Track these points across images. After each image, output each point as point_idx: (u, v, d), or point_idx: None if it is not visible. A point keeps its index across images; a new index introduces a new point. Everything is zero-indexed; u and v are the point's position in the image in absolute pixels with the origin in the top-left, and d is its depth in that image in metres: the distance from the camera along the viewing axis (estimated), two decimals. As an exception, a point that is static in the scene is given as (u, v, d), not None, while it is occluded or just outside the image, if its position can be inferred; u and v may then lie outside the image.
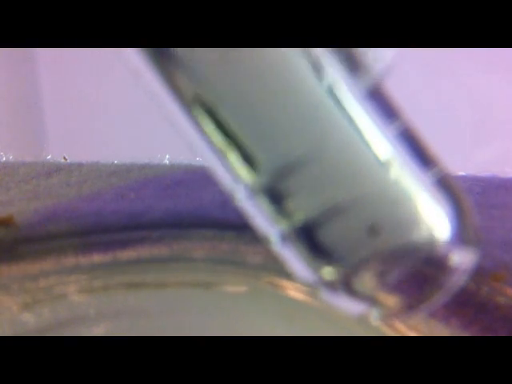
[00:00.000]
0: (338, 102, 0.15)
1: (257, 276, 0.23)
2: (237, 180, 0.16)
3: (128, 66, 0.16)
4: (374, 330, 0.21)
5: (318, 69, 0.15)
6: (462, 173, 0.28)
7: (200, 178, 0.29)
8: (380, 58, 0.15)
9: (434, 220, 0.15)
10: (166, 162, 0.31)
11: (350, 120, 0.15)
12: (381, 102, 0.15)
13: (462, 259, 0.16)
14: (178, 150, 0.24)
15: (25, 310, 0.22)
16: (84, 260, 0.24)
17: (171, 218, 0.26)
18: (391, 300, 0.16)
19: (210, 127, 0.15)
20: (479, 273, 0.22)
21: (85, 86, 0.64)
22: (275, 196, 0.15)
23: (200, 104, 0.15)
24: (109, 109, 0.64)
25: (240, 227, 0.24)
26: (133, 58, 0.15)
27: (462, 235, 0.15)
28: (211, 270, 0.23)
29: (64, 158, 0.31)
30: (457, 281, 0.16)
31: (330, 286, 0.16)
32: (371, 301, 0.16)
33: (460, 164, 0.23)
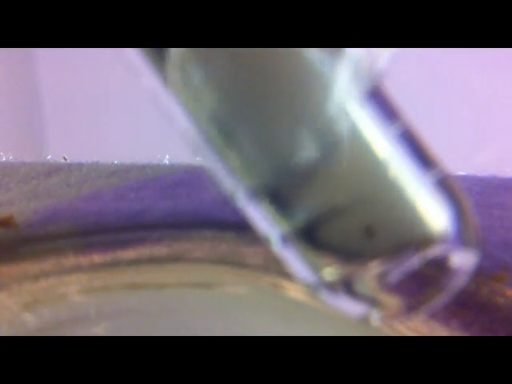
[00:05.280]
0: (338, 103, 0.15)
1: (257, 277, 0.23)
2: (237, 181, 0.16)
3: (128, 65, 0.16)
4: (374, 331, 0.20)
5: (319, 70, 0.15)
6: (461, 173, 0.28)
7: (200, 178, 0.29)
8: (383, 59, 0.15)
9: (435, 221, 0.15)
10: (166, 162, 0.31)
11: (351, 121, 0.15)
12: (381, 103, 0.15)
13: (462, 260, 0.15)
14: (178, 150, 0.24)
15: (25, 310, 0.22)
16: (84, 260, 0.24)
17: (171, 218, 0.26)
18: (391, 301, 0.16)
19: (210, 127, 0.15)
20: (479, 273, 0.22)
21: (85, 86, 0.64)
22: (276, 197, 0.15)
23: (200, 104, 0.15)
24: (109, 109, 0.64)
25: (240, 227, 0.24)
26: (133, 58, 0.15)
27: (462, 236, 0.15)
28: (211, 271, 0.23)
29: (64, 158, 0.31)
30: (457, 282, 0.16)
31: (331, 286, 0.16)
32: (371, 302, 0.16)
33: (460, 164, 0.23)
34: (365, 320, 0.16)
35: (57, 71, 0.64)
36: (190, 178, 0.29)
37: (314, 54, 0.15)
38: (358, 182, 0.15)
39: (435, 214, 0.15)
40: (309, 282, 0.16)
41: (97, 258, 0.24)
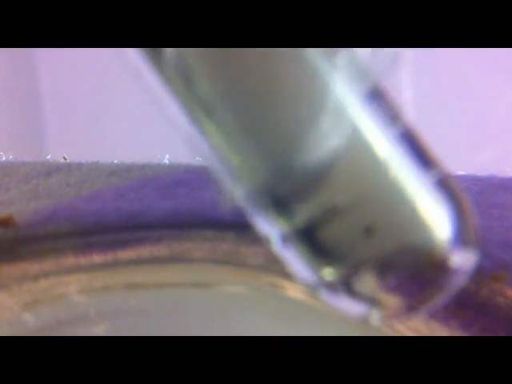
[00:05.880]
0: (338, 103, 0.15)
1: (257, 276, 0.23)
2: (237, 181, 0.16)
3: (128, 65, 0.16)
4: (374, 331, 0.20)
5: (320, 70, 0.15)
6: (461, 173, 0.28)
7: (200, 178, 0.29)
8: (383, 59, 0.15)
9: (435, 221, 0.15)
10: (166, 161, 0.31)
11: (351, 121, 0.15)
12: (381, 103, 0.15)
13: (462, 260, 0.15)
14: (178, 150, 0.24)
15: (25, 310, 0.22)
16: (84, 260, 0.24)
17: (171, 217, 0.26)
18: (391, 301, 0.16)
19: (210, 127, 0.15)
20: (479, 273, 0.22)
21: (85, 86, 0.64)
22: (276, 197, 0.15)
23: (200, 104, 0.15)
24: (109, 109, 0.64)
25: (240, 227, 0.24)
26: (133, 58, 0.15)
27: (462, 236, 0.15)
28: (211, 271, 0.23)
29: (64, 157, 0.31)
30: (457, 282, 0.16)
31: (331, 286, 0.16)
32: (371, 302, 0.16)
33: (460, 164, 0.23)
34: (365, 320, 0.16)
35: (57, 71, 0.64)
36: (189, 178, 0.29)
37: (315, 54, 0.15)
38: (358, 182, 0.15)
39: (435, 214, 0.15)
40: (309, 281, 0.16)
41: (97, 257, 0.24)
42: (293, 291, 0.22)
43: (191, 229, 0.25)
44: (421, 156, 0.15)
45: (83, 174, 0.29)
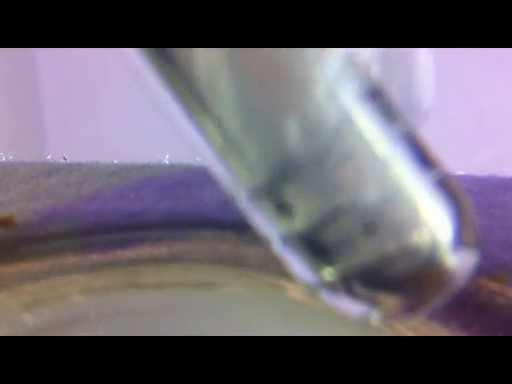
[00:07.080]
0: (338, 102, 0.15)
1: (257, 277, 0.23)
2: (238, 181, 0.16)
3: (128, 65, 0.16)
4: (374, 331, 0.20)
5: (321, 71, 0.15)
6: (461, 172, 0.28)
7: (200, 177, 0.29)
8: (384, 58, 0.15)
9: (435, 221, 0.15)
10: (166, 161, 0.31)
11: (351, 121, 0.15)
12: (382, 103, 0.15)
13: (462, 260, 0.16)
14: (178, 150, 0.24)
15: (25, 310, 0.22)
16: (84, 260, 0.24)
17: (171, 218, 0.26)
18: (391, 301, 0.16)
19: (210, 127, 0.15)
20: (479, 273, 0.22)
21: (85, 86, 0.64)
22: (276, 197, 0.15)
23: (200, 104, 0.15)
24: (109, 109, 0.64)
25: (240, 228, 0.24)
26: (133, 58, 0.15)
27: (462, 236, 0.15)
28: (211, 271, 0.23)
29: (64, 158, 0.31)
30: (457, 282, 0.16)
31: (331, 286, 0.16)
32: (371, 302, 0.16)
33: (460, 164, 0.23)
34: (365, 320, 0.16)
35: (57, 71, 0.64)
36: (189, 178, 0.29)
37: (315, 54, 0.15)
38: (358, 181, 0.15)
39: (435, 214, 0.15)
40: (309, 282, 0.16)
41: (97, 257, 0.24)
42: (293, 291, 0.22)
43: (191, 229, 0.25)
44: (421, 156, 0.15)
45: (83, 174, 0.29)
